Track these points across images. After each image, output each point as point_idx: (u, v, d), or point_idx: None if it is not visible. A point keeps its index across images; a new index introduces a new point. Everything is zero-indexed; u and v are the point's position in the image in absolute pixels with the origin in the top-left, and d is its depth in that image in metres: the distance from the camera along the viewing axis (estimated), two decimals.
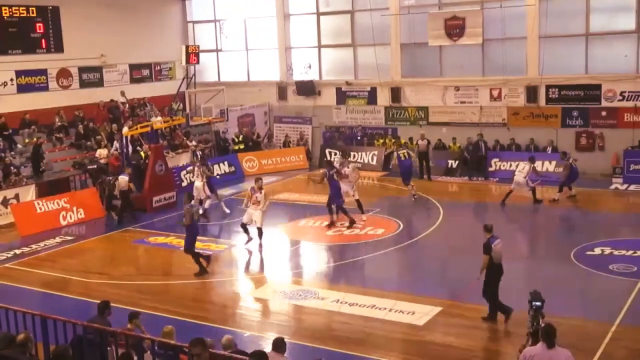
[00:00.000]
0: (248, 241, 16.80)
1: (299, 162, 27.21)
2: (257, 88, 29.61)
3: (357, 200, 18.80)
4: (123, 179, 19.90)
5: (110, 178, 20.91)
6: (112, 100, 26.24)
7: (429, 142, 24.66)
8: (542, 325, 8.03)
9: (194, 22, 31.28)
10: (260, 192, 16.56)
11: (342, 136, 27.75)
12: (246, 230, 16.74)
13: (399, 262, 16.12)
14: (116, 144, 23.19)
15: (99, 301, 10.18)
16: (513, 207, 20.89)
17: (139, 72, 28.88)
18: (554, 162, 22.97)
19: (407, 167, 20.92)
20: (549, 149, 23.72)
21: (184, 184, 23.30)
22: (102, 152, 23.19)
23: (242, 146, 27.20)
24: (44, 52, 24.68)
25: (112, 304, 10.08)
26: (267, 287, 14.41)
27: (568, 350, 7.80)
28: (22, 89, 24.37)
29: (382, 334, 11.57)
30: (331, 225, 18.11)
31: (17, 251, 17.23)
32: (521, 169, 20.07)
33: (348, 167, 19.02)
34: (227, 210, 20.20)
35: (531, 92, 24.21)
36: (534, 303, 8.85)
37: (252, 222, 16.63)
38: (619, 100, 23.04)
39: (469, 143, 24.89)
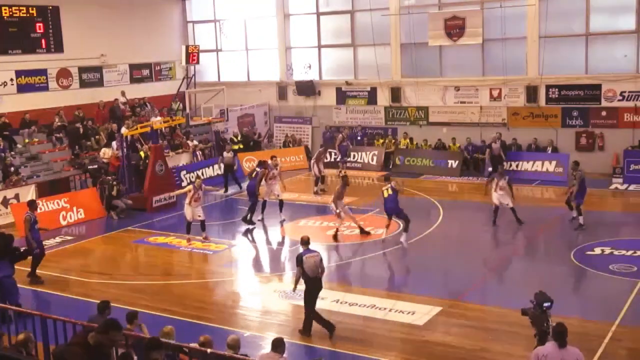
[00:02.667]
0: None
1: (299, 162, 27.21)
2: (257, 88, 29.62)
3: (280, 200, 19.35)
4: (227, 156, 23.42)
5: (109, 178, 20.91)
6: (115, 100, 26.25)
7: (503, 143, 23.29)
8: (554, 324, 8.02)
9: (194, 22, 31.28)
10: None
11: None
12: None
13: (399, 262, 16.11)
14: (117, 144, 23.17)
15: (98, 301, 10.20)
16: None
17: (139, 72, 28.88)
18: (554, 162, 22.98)
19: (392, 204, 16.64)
20: (549, 149, 23.71)
21: (184, 183, 23.30)
22: (106, 152, 23.11)
23: (241, 146, 27.16)
24: (44, 52, 24.74)
25: (112, 304, 10.09)
26: (267, 287, 14.41)
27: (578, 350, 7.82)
28: (22, 89, 24.36)
29: (382, 334, 11.57)
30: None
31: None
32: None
33: (276, 170, 19.41)
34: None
35: (531, 92, 24.21)
36: (544, 304, 8.83)
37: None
38: (619, 100, 23.05)
39: (468, 143, 24.93)
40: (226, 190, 23.37)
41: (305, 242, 11.69)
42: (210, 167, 25.10)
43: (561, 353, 7.64)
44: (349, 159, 25.76)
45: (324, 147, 23.62)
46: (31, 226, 14.76)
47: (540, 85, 24.05)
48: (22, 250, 13.15)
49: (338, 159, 25.46)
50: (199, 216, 17.32)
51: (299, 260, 11.31)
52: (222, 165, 23.98)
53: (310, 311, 11.42)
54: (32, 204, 15.45)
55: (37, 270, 14.88)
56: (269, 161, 19.51)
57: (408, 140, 26.33)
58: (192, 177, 24.11)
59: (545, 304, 8.87)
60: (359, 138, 27.25)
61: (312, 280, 11.28)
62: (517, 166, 23.65)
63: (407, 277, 14.97)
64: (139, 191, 21.39)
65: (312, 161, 22.72)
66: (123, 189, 20.93)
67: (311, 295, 11.40)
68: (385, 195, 16.45)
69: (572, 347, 7.76)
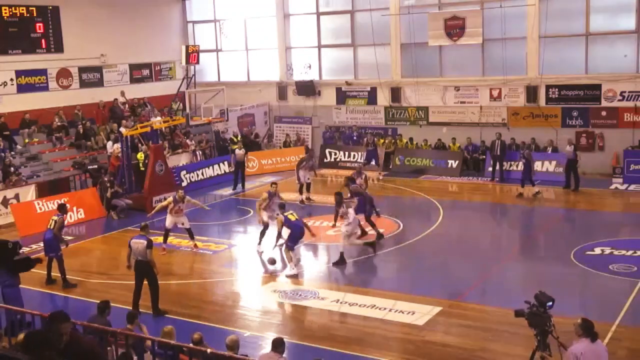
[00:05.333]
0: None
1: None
2: (257, 88, 29.62)
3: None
4: (240, 153, 23.60)
5: (106, 179, 20.89)
6: (115, 100, 26.25)
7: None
8: (579, 321, 8.01)
9: (194, 22, 31.28)
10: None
11: (342, 136, 27.78)
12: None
13: (399, 262, 16.11)
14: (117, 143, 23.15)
15: (98, 301, 10.20)
16: (513, 208, 20.91)
17: (139, 72, 28.88)
18: (554, 162, 22.97)
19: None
20: (549, 149, 23.69)
21: (184, 183, 23.31)
22: (117, 148, 22.88)
23: (241, 146, 27.07)
24: (44, 52, 24.76)
25: (112, 304, 10.10)
26: (267, 287, 14.41)
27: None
28: (22, 89, 24.35)
29: (382, 334, 11.57)
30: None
31: None
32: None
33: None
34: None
35: (531, 92, 24.21)
36: (547, 304, 8.82)
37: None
38: (619, 100, 23.04)
39: (468, 143, 24.93)
40: (234, 188, 23.40)
41: (142, 227, 13.19)
42: (211, 167, 25.08)
43: (594, 347, 7.73)
44: (368, 163, 24.62)
45: (309, 154, 23.06)
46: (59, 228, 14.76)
47: (540, 85, 24.05)
48: (29, 258, 12.63)
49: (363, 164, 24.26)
50: (183, 224, 16.75)
51: (129, 243, 12.92)
52: (233, 163, 24.04)
53: (136, 287, 12.70)
54: (62, 208, 15.35)
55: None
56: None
57: (407, 140, 26.30)
58: (192, 177, 24.17)
59: (549, 304, 8.86)
60: (354, 138, 27.24)
61: (136, 262, 12.72)
62: (517, 166, 23.64)
63: (407, 277, 14.96)
64: (139, 191, 21.39)
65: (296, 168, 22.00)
66: (120, 190, 20.92)
67: (136, 274, 12.71)
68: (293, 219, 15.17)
69: (599, 340, 7.86)
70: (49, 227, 14.76)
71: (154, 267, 12.67)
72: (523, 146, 22.20)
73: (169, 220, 16.75)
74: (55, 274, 14.63)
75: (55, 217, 14.81)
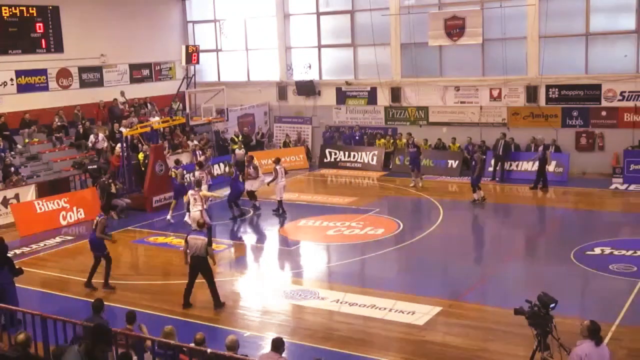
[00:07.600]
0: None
1: (299, 162, 27.21)
2: (257, 88, 29.62)
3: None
4: (240, 153, 24.15)
5: (104, 179, 20.90)
6: (114, 100, 26.24)
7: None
8: (587, 323, 7.99)
9: (194, 22, 31.28)
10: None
11: (342, 136, 27.77)
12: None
13: (399, 262, 16.12)
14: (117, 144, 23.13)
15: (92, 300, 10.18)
16: (513, 208, 20.93)
17: (139, 72, 28.87)
18: (554, 162, 22.95)
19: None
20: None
21: (184, 183, 23.23)
22: (117, 148, 22.84)
23: (241, 146, 27.05)
24: (44, 52, 24.75)
25: (111, 304, 10.10)
26: (267, 287, 14.41)
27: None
28: (22, 89, 24.34)
29: (382, 334, 11.57)
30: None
31: (17, 251, 17.21)
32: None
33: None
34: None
35: (531, 92, 24.20)
36: (551, 305, 8.83)
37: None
38: (619, 100, 23.03)
39: (468, 143, 24.90)
40: None
41: (200, 225, 13.39)
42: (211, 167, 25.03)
43: (599, 351, 7.76)
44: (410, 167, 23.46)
45: (247, 158, 22.19)
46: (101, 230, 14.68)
47: (540, 85, 24.04)
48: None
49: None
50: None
51: (185, 239, 13.07)
52: (233, 163, 23.97)
53: (188, 282, 12.90)
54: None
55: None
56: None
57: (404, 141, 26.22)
58: (192, 177, 24.10)
59: (552, 305, 8.87)
60: (357, 138, 27.24)
61: (192, 258, 12.80)
62: (517, 166, 23.66)
63: (407, 277, 14.96)
64: (139, 191, 21.39)
65: None
66: (121, 187, 20.93)
67: (191, 270, 12.89)
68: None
69: (604, 344, 7.86)
70: (92, 227, 14.63)
71: (215, 261, 13.20)
72: (478, 149, 21.65)
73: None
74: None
75: (98, 218, 14.66)
